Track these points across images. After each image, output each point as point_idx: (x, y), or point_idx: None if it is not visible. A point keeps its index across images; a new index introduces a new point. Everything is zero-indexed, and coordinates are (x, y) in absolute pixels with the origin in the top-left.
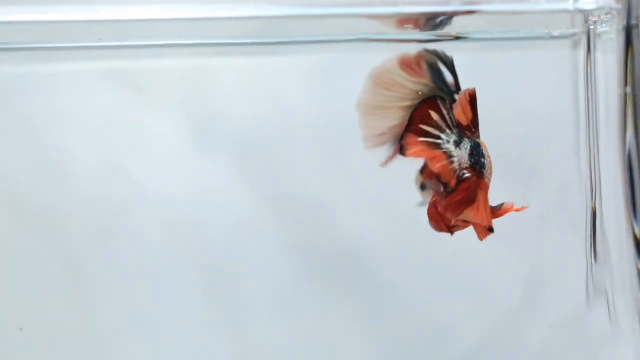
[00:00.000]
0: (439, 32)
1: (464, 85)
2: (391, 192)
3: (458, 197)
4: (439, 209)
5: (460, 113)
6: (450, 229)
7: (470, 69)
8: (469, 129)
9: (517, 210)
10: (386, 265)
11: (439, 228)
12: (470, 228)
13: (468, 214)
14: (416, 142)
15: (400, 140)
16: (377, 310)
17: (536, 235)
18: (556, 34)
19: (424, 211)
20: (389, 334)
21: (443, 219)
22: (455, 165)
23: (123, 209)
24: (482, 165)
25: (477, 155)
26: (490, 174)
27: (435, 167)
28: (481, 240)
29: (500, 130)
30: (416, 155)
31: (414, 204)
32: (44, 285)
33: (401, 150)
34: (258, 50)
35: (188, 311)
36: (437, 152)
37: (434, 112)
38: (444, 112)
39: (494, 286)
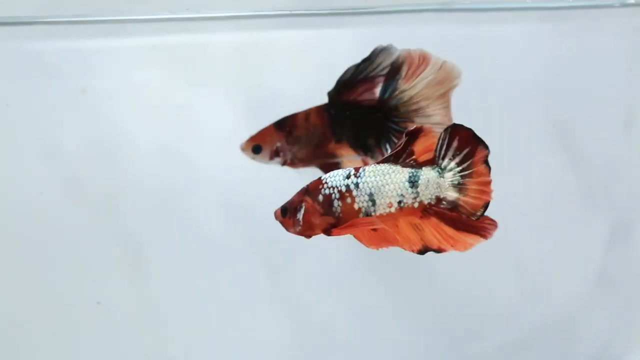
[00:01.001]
0: None
1: None
2: None
3: None
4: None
5: None
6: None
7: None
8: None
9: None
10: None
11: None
12: None
13: None
14: None
15: None
16: (426, 292)
17: None
18: (632, 1)
19: None
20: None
21: None
22: None
23: (179, 189)
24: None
25: None
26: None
27: None
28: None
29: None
30: None
31: None
32: (112, 264)
33: None
34: (312, 22)
35: (244, 288)
36: None
37: None
38: None
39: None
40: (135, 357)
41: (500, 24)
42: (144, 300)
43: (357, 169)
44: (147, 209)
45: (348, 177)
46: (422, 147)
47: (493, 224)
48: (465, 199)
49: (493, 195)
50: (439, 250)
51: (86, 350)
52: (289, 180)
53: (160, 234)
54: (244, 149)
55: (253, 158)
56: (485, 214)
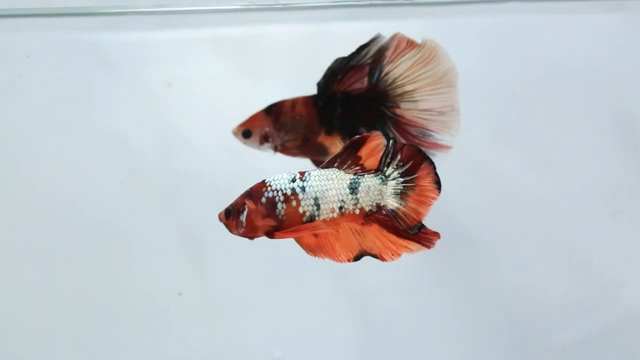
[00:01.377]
0: None
1: None
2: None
3: None
4: None
5: None
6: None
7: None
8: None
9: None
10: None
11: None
12: None
13: None
14: None
15: None
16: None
17: None
18: None
19: None
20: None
21: None
22: None
23: (238, 178)
24: None
25: None
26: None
27: None
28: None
29: None
30: None
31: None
32: (180, 256)
33: None
34: (372, 13)
35: (309, 280)
36: None
37: None
38: None
39: None
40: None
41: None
42: (213, 292)
43: (302, 173)
44: (207, 198)
45: (293, 180)
46: (368, 153)
47: (435, 235)
48: (405, 210)
49: (429, 213)
50: (379, 257)
51: (167, 341)
52: None
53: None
54: (235, 133)
55: (244, 142)
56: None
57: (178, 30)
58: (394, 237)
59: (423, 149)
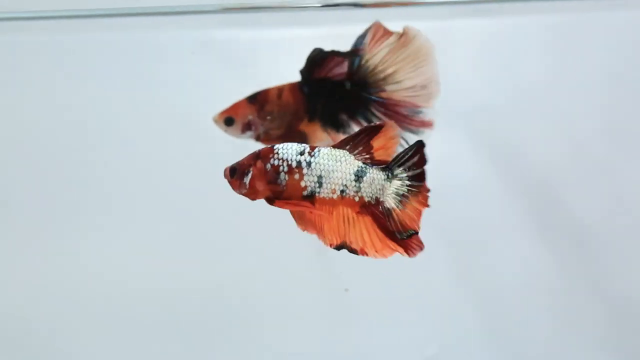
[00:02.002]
0: None
1: None
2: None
3: None
4: None
5: None
6: None
7: None
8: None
9: None
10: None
11: None
12: None
13: None
14: None
15: None
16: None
17: None
18: None
19: None
20: None
21: None
22: None
23: None
24: None
25: None
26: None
27: None
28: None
29: None
30: None
31: None
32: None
33: None
34: (494, 9)
35: (433, 279)
36: None
37: None
38: None
39: None
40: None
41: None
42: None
43: (312, 148)
44: None
45: (302, 153)
46: (381, 144)
47: (420, 246)
48: (400, 213)
49: (420, 227)
50: (359, 253)
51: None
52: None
53: None
54: (216, 120)
55: (225, 130)
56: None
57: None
58: (382, 235)
59: (414, 128)
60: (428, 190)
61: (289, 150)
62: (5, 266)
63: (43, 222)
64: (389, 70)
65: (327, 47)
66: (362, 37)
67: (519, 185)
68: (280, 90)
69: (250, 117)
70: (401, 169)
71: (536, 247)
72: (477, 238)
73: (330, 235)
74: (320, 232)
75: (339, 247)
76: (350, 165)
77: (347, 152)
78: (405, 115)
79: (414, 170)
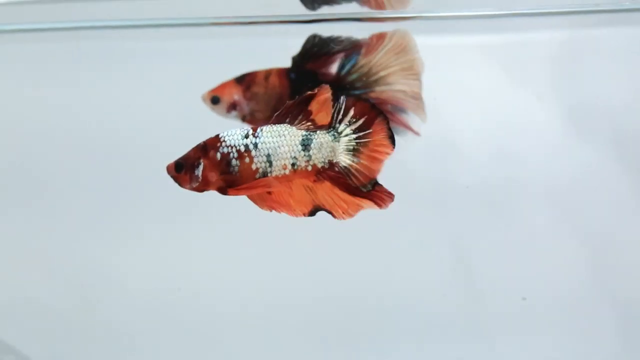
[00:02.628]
0: None
1: None
2: None
3: None
4: None
5: None
6: None
7: None
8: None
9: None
10: None
11: None
12: None
13: None
14: None
15: None
16: None
17: None
18: None
19: None
20: None
21: None
22: None
23: (508, 188)
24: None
25: None
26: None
27: None
28: None
29: None
30: None
31: None
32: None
33: None
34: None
35: (572, 292)
36: None
37: None
38: None
39: None
40: None
41: None
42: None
43: (254, 129)
44: (478, 208)
45: (247, 136)
46: (318, 108)
47: (389, 196)
48: (358, 166)
49: (384, 170)
50: (330, 212)
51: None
52: (615, 180)
53: (489, 235)
54: (204, 98)
55: (212, 109)
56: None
57: (445, 36)
58: (345, 195)
59: (396, 126)
60: (385, 134)
61: (234, 136)
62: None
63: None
64: (382, 73)
65: None
66: (358, 46)
67: None
68: (268, 73)
69: (236, 96)
70: (343, 124)
71: None
72: None
73: (299, 207)
74: (287, 207)
75: (312, 212)
76: (295, 136)
77: (288, 125)
78: (388, 111)
79: (356, 122)
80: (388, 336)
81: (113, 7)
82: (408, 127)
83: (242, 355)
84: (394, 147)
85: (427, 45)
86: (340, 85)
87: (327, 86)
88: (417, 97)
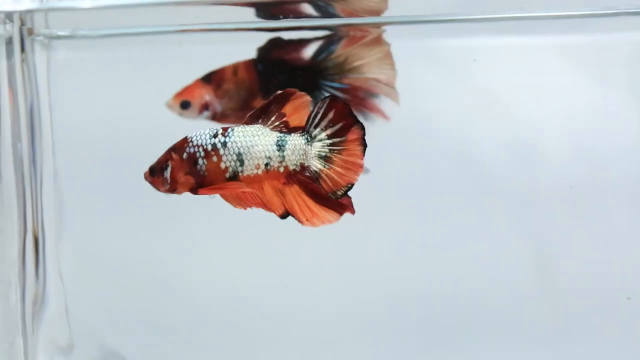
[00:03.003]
0: None
1: None
2: None
3: None
4: None
5: None
6: None
7: None
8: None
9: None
10: None
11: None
12: None
13: None
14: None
15: None
16: None
17: None
18: None
19: None
20: None
21: None
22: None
23: (590, 190)
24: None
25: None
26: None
27: None
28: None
29: None
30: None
31: None
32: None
33: None
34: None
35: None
36: None
37: None
38: None
39: None
40: None
41: None
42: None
43: (225, 129)
44: (560, 209)
45: (215, 136)
46: (292, 111)
47: (350, 208)
48: (329, 172)
49: (358, 179)
50: (296, 218)
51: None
52: None
53: (571, 235)
54: (170, 105)
55: (180, 114)
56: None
57: (525, 37)
58: (311, 202)
59: (365, 111)
60: (359, 143)
61: (202, 136)
62: None
63: None
64: (356, 63)
65: None
66: (339, 37)
67: None
68: (235, 67)
69: (207, 97)
70: (318, 129)
71: None
72: None
73: (272, 207)
74: (263, 205)
75: (283, 216)
76: (269, 136)
77: (262, 126)
78: (362, 99)
79: (331, 127)
80: (470, 340)
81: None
82: (380, 112)
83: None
84: (363, 158)
85: (503, 46)
86: (314, 70)
87: (303, 93)
88: (392, 85)
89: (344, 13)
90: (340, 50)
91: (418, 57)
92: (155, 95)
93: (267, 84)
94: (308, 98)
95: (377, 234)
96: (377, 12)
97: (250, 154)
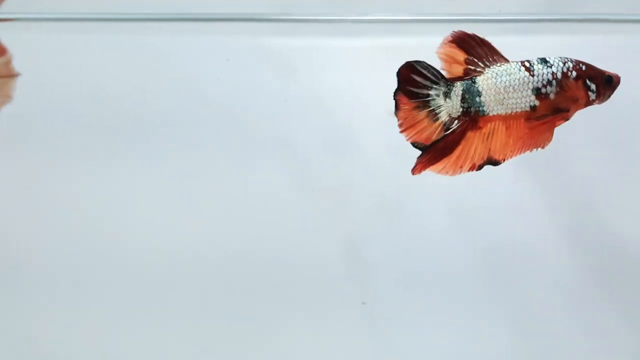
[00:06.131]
0: None
1: None
2: None
3: (434, 153)
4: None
5: (451, 57)
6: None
7: None
8: (469, 70)
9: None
10: None
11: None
12: None
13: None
14: (406, 103)
15: (394, 96)
16: None
17: None
18: None
19: None
20: None
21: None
22: (444, 118)
23: (405, 189)
24: (479, 104)
25: (471, 97)
26: (500, 101)
27: (411, 137)
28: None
29: None
30: (404, 120)
31: None
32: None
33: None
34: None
35: (467, 295)
36: (419, 118)
37: (414, 74)
38: (424, 72)
39: None
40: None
41: None
42: (374, 306)
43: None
44: (373, 206)
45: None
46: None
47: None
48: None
49: None
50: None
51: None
52: (513, 182)
53: (387, 236)
54: None
55: None
56: None
57: (349, 38)
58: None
59: None
60: None
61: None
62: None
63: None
64: None
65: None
66: None
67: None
68: None
69: None
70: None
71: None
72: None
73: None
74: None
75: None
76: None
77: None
78: None
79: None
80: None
81: None
82: None
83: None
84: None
85: (326, 47)
86: None
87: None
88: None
89: None
90: None
91: (251, 55)
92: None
93: None
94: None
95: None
96: None
97: None
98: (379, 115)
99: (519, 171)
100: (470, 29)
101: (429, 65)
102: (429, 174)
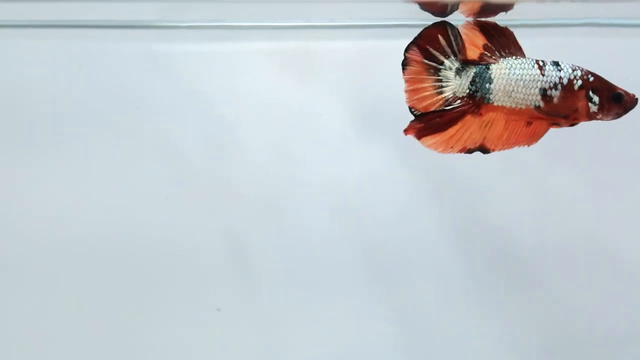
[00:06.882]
0: None
1: None
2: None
3: (429, 124)
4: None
5: (470, 39)
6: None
7: None
8: (484, 55)
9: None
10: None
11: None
12: None
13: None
14: (419, 62)
15: (406, 50)
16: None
17: None
18: None
19: None
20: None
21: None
22: (448, 94)
23: (289, 188)
24: (488, 91)
25: (481, 82)
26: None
27: (411, 101)
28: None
29: None
30: (409, 79)
31: None
32: (222, 266)
33: (404, 61)
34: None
35: (348, 293)
36: (424, 84)
37: (442, 36)
38: (452, 38)
39: None
40: None
41: None
42: (255, 304)
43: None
44: (257, 205)
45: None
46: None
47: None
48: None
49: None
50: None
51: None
52: (398, 183)
53: (268, 234)
54: None
55: None
56: None
57: (232, 43)
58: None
59: None
60: None
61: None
62: None
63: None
64: None
65: None
66: None
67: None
68: None
69: None
70: None
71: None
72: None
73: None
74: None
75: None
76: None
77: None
78: None
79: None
80: None
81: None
82: None
83: None
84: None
85: (212, 51)
86: None
87: None
88: None
89: None
90: None
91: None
92: None
93: None
94: None
95: None
96: None
97: None
98: (261, 116)
99: (407, 172)
100: None
101: (460, 35)
102: (313, 172)
